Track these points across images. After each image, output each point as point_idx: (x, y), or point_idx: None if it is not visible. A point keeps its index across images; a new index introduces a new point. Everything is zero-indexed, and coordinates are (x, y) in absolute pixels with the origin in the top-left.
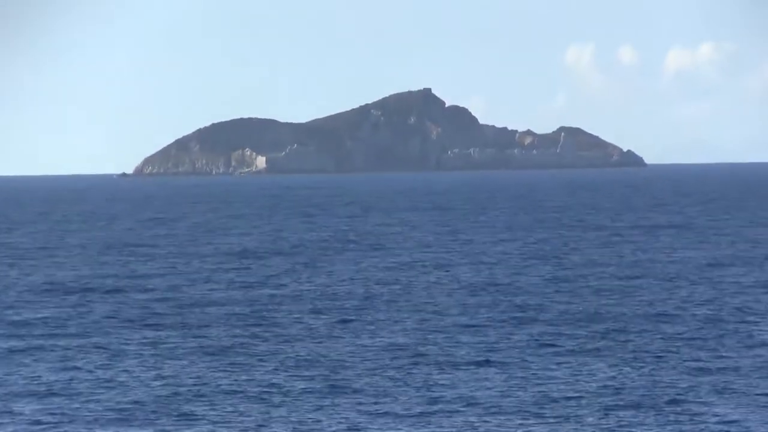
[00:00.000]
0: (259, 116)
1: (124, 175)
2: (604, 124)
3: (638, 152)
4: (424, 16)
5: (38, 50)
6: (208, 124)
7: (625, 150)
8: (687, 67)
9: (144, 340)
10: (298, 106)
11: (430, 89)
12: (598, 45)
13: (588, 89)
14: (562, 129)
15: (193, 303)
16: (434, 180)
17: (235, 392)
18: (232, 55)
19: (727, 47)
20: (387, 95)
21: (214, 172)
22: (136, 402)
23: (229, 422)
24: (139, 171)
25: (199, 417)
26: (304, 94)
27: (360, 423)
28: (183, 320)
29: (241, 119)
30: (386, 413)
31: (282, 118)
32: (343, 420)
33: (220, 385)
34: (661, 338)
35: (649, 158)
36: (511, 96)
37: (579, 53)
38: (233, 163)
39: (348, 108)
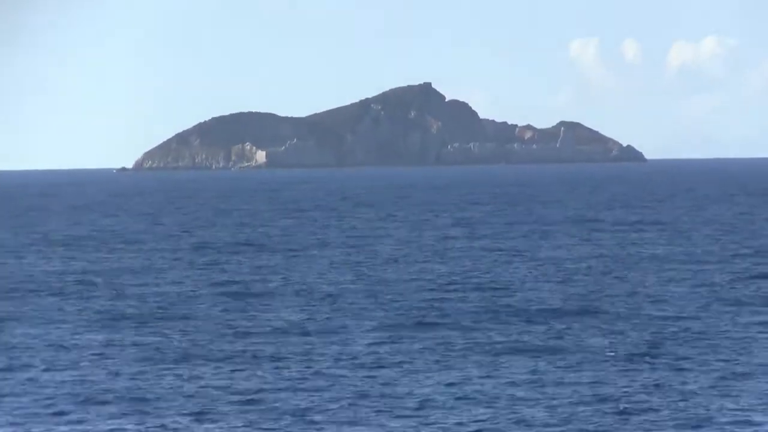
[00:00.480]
0: (259, 110)
1: (123, 169)
2: (605, 118)
3: (639, 147)
4: (424, 10)
5: (39, 44)
6: (208, 118)
7: (624, 145)
8: (690, 61)
9: (99, 340)
10: (298, 100)
11: (430, 83)
12: (602, 39)
13: (591, 84)
14: (561, 123)
15: (155, 299)
16: (433, 175)
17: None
18: (232, 49)
19: (730, 42)
20: (387, 89)
21: (214, 166)
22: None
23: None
24: (139, 165)
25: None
26: (304, 88)
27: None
28: (138, 317)
29: (241, 113)
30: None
31: (282, 112)
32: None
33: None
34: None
35: (650, 153)
36: (512, 91)
37: (583, 47)
38: (233, 158)
39: (348, 102)
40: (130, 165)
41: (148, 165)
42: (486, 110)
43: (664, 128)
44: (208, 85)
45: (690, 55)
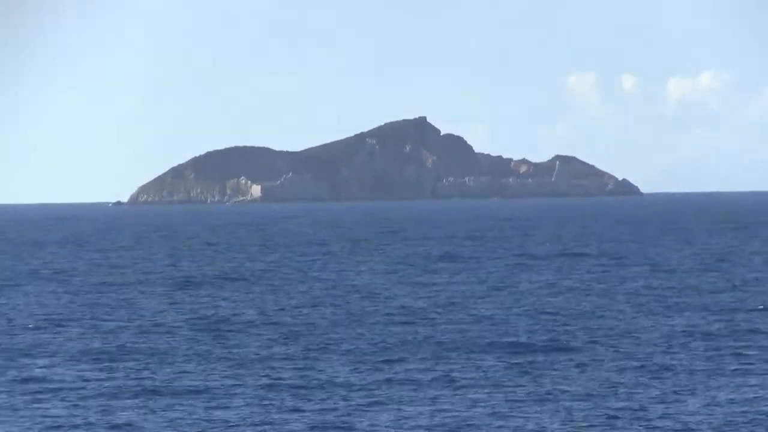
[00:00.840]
0: (255, 145)
1: (119, 203)
2: (601, 153)
3: (634, 181)
4: (420, 44)
5: (35, 76)
6: (203, 152)
7: (620, 179)
8: (687, 95)
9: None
10: (294, 134)
11: (425, 118)
12: (599, 73)
13: (588, 118)
14: (557, 157)
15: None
16: (426, 209)
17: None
18: (227, 84)
19: (726, 76)
20: (382, 123)
21: (209, 200)
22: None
23: None
24: (134, 199)
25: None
26: (300, 122)
27: None
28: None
29: (236, 148)
30: None
31: (277, 146)
32: None
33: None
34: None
35: (646, 187)
36: (508, 125)
37: (580, 81)
38: (228, 192)
39: (343, 136)
40: (125, 199)
41: (143, 199)
42: (482, 144)
43: (661, 162)
44: (204, 119)
45: (687, 89)
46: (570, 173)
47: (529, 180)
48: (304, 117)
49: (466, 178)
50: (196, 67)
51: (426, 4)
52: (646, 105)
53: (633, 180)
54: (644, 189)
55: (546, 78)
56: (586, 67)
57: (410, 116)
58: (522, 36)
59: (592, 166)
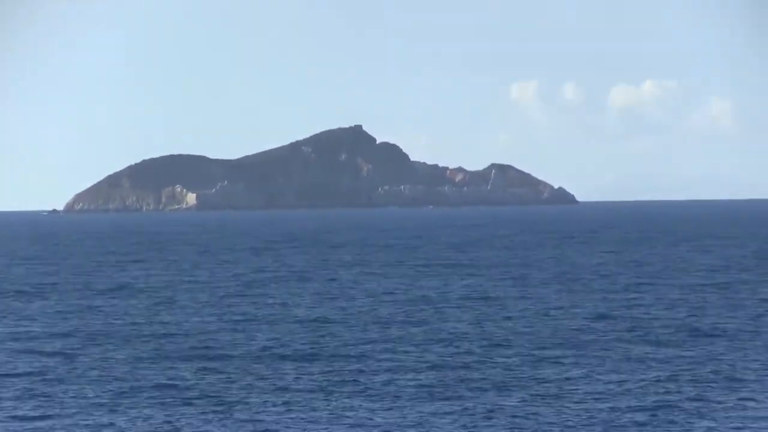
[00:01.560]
0: (190, 153)
1: (54, 211)
2: (539, 161)
3: (571, 190)
4: (355, 51)
5: None
6: (138, 160)
7: (556, 187)
8: (630, 104)
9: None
10: (229, 142)
11: (361, 126)
12: (541, 82)
13: (528, 126)
14: (492, 166)
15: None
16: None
17: None
18: (162, 92)
19: (669, 84)
20: (318, 132)
21: (144, 208)
22: None
23: None
24: (69, 207)
25: None
26: (235, 130)
27: None
28: None
29: (172, 156)
30: None
31: (213, 154)
32: None
33: None
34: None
35: (584, 196)
36: (446, 133)
37: (522, 90)
38: (164, 200)
39: (279, 144)
40: (60, 207)
41: (78, 207)
42: (420, 153)
43: (601, 171)
44: (139, 127)
45: (630, 97)
46: (506, 182)
47: (465, 188)
48: (240, 125)
49: (402, 187)
50: (132, 75)
51: (363, 10)
52: (587, 114)
53: (570, 189)
54: (581, 198)
55: (488, 86)
56: (529, 75)
57: (346, 124)
58: (464, 43)
59: (529, 175)
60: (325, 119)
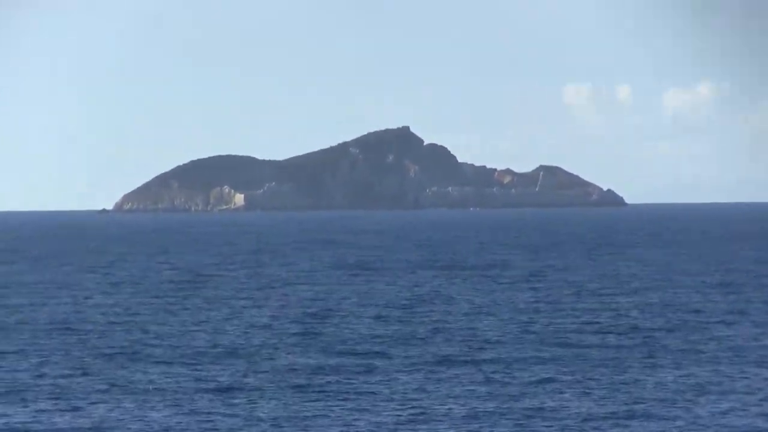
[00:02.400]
0: (239, 154)
1: (104, 211)
2: (590, 163)
3: (620, 192)
4: (404, 53)
5: (21, 79)
6: (187, 161)
7: (605, 189)
8: (683, 106)
9: None
10: (277, 143)
11: (408, 127)
12: (595, 84)
13: (580, 128)
14: (541, 168)
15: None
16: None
17: None
18: (211, 93)
19: (723, 87)
20: (366, 133)
21: (192, 209)
22: None
23: None
24: (118, 207)
25: None
26: (284, 131)
27: None
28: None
29: (220, 156)
30: None
31: (261, 155)
32: None
33: None
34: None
35: (634, 198)
36: (495, 135)
37: (576, 92)
38: (212, 201)
39: (327, 145)
40: (110, 207)
41: (127, 207)
42: (468, 155)
43: (651, 173)
44: (188, 127)
45: (684, 100)
46: (555, 184)
47: (513, 190)
48: (288, 126)
49: (449, 188)
50: (181, 76)
51: (412, 12)
52: (640, 116)
53: (618, 191)
54: (633, 200)
55: (540, 88)
56: (583, 78)
57: (394, 126)
58: (517, 45)
59: (577, 177)
60: (372, 120)
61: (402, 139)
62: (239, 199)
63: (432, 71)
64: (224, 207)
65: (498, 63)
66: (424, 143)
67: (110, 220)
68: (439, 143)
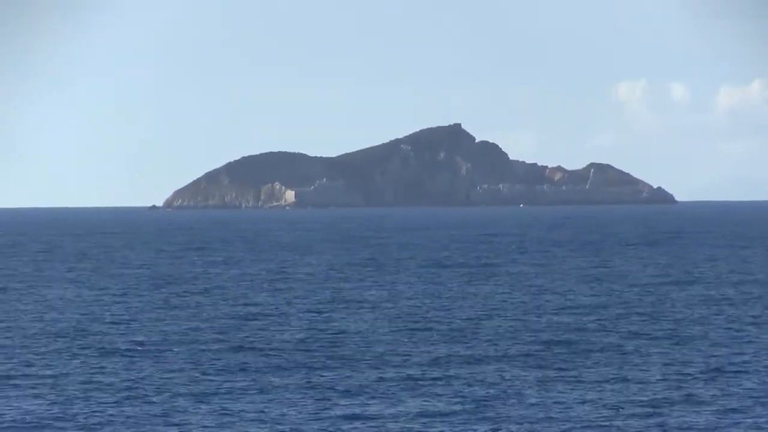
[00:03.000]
0: (289, 150)
1: (154, 207)
2: (641, 161)
3: (671, 189)
4: (456, 51)
5: (65, 78)
6: (238, 157)
7: (655, 187)
8: (737, 104)
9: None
10: (328, 140)
11: (460, 124)
12: (649, 81)
13: (632, 126)
14: (591, 165)
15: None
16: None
17: None
18: (262, 89)
19: None
20: (417, 130)
21: (243, 205)
22: None
23: None
24: (169, 204)
25: None
26: (334, 128)
27: None
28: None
29: (271, 153)
30: None
31: (312, 152)
32: None
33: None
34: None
35: (686, 196)
36: (546, 132)
37: (630, 89)
38: (262, 197)
39: (378, 142)
40: (159, 203)
41: (178, 203)
42: (519, 152)
43: (702, 171)
44: (239, 124)
45: (737, 98)
46: (605, 181)
47: (563, 187)
48: (339, 123)
49: (500, 185)
50: (232, 72)
51: (464, 10)
52: (694, 114)
53: (669, 189)
54: (685, 198)
55: (593, 85)
56: (637, 74)
57: (445, 123)
58: (570, 42)
59: (628, 174)
60: (424, 117)
61: (453, 136)
62: (290, 195)
63: (484, 68)
64: (275, 204)
65: (551, 59)
66: (476, 140)
67: (188, 217)
68: (491, 140)
